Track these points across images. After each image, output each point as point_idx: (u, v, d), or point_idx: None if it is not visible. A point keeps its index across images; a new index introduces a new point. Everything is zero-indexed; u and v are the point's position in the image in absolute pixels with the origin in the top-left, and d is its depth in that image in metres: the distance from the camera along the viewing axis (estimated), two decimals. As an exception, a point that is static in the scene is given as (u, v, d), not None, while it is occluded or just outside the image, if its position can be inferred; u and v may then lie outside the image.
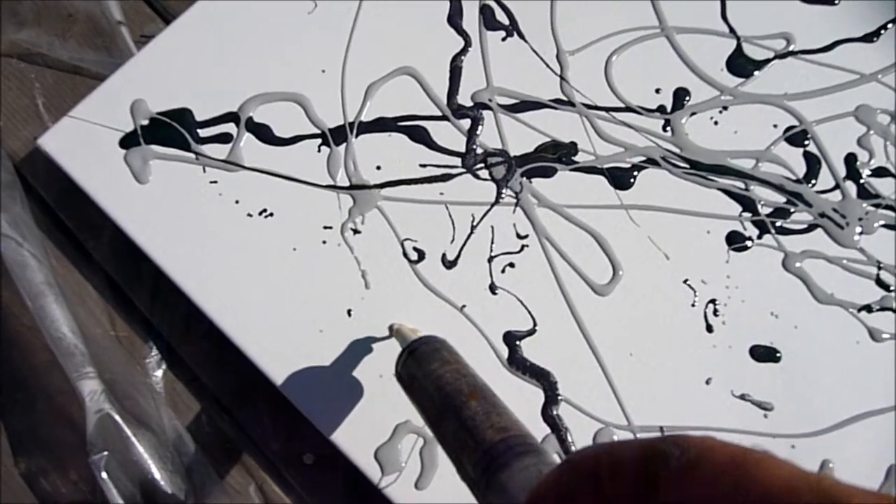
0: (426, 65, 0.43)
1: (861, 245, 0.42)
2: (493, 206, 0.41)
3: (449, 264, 0.40)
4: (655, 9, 0.45)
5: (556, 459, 0.22)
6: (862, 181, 0.43)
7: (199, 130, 0.41)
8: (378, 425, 0.37)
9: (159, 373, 0.40)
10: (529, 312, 0.40)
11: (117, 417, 0.36)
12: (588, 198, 0.42)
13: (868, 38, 0.46)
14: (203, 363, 0.40)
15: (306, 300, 0.39)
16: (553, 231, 0.41)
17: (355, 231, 0.40)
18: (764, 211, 0.42)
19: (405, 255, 0.40)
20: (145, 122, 0.41)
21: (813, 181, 0.43)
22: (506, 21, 0.45)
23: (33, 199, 0.41)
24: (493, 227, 0.41)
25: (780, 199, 0.43)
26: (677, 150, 0.43)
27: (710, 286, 0.41)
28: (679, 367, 0.40)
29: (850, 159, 0.44)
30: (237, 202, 0.40)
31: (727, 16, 0.46)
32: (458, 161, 0.42)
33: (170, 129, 0.41)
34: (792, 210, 0.43)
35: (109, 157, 0.40)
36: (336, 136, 0.42)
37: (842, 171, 0.44)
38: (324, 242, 0.40)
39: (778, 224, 0.42)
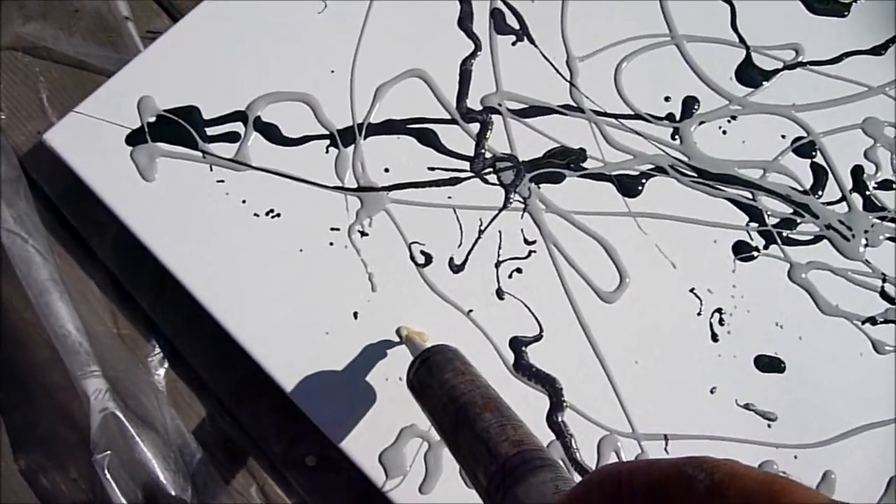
0: (436, 68, 0.43)
1: (866, 257, 0.42)
2: (501, 210, 0.41)
3: (456, 268, 0.40)
4: (666, 17, 0.45)
5: (573, 476, 0.22)
6: (868, 193, 0.44)
7: (206, 129, 0.41)
8: (383, 429, 0.37)
9: (161, 371, 0.40)
10: (536, 318, 0.40)
11: (122, 417, 0.36)
12: (596, 204, 0.42)
13: (876, 50, 0.46)
14: (206, 363, 0.40)
15: (312, 302, 0.39)
16: (561, 237, 0.41)
17: (362, 233, 0.40)
18: (771, 221, 0.42)
19: (412, 258, 0.40)
20: (152, 120, 0.41)
21: (819, 192, 0.43)
22: (516, 25, 0.45)
23: (36, 194, 0.41)
24: (500, 232, 0.41)
25: (787, 209, 0.43)
26: (685, 159, 0.43)
27: (716, 295, 0.41)
28: (684, 376, 0.40)
29: (857, 171, 0.44)
30: (244, 202, 0.40)
31: (737, 25, 0.46)
32: (466, 165, 0.42)
33: (177, 127, 0.41)
34: (798, 221, 0.43)
35: (115, 153, 0.40)
36: (344, 137, 0.41)
37: (848, 182, 0.44)
38: (331, 244, 0.40)
39: (784, 235, 0.42)
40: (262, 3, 0.43)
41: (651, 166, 0.43)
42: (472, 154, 0.42)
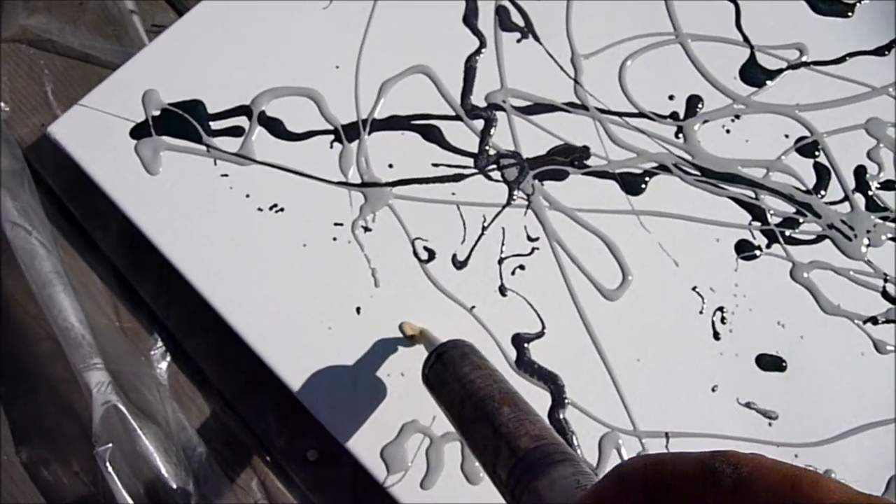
0: (441, 64, 0.43)
1: (868, 257, 0.42)
2: (504, 207, 0.41)
3: (459, 265, 0.40)
4: (670, 16, 0.45)
5: (590, 470, 0.22)
6: (871, 194, 0.44)
7: (210, 123, 0.41)
8: (385, 424, 0.37)
9: (164, 365, 0.40)
10: (538, 315, 0.40)
11: (124, 410, 0.36)
12: (599, 202, 0.42)
13: (880, 51, 0.46)
14: (208, 357, 0.40)
15: (315, 297, 0.39)
16: (564, 234, 0.41)
17: (366, 229, 0.40)
18: (773, 220, 0.43)
19: (415, 254, 0.40)
20: (157, 113, 0.41)
21: (822, 192, 0.43)
22: (521, 23, 0.45)
23: (40, 186, 0.41)
24: (503, 229, 0.41)
25: (790, 209, 0.43)
26: (689, 158, 0.43)
27: (719, 294, 0.41)
28: (685, 374, 0.40)
29: (860, 171, 0.44)
30: (248, 196, 0.40)
31: (741, 25, 0.46)
32: (470, 161, 0.42)
33: (181, 121, 0.41)
34: (801, 220, 0.43)
35: (120, 146, 0.40)
36: (349, 132, 0.41)
37: (851, 182, 0.44)
38: (334, 239, 0.40)
39: (787, 234, 0.42)
40: (267, -2, 0.43)
41: (654, 164, 0.43)
42: (476, 151, 0.42)
